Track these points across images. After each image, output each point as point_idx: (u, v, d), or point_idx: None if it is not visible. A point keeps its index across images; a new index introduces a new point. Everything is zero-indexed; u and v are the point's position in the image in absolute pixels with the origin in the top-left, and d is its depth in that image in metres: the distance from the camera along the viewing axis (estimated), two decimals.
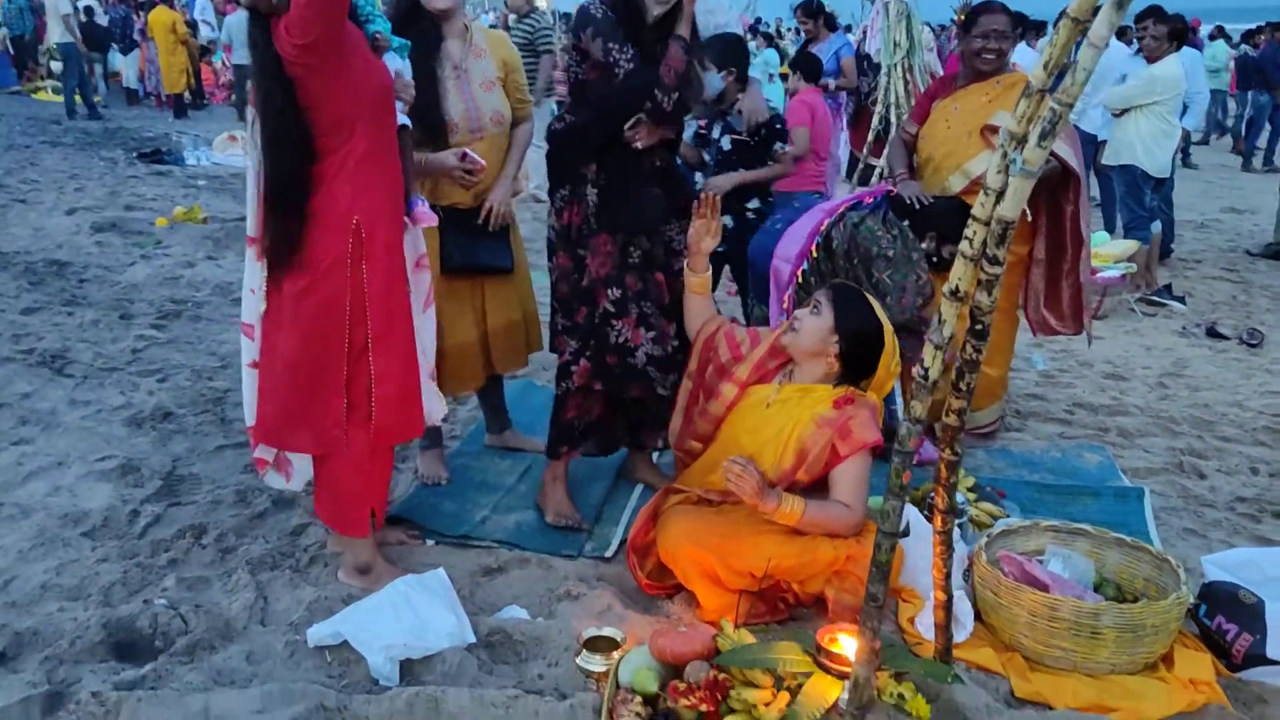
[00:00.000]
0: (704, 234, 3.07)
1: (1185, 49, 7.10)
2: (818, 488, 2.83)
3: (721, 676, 2.25)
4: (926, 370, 1.71)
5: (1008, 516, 3.25)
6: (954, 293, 1.65)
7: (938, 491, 2.06)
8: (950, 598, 2.25)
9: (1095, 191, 8.81)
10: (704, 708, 2.19)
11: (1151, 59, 6.70)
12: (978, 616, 2.76)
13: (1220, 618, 2.65)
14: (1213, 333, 5.90)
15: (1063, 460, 3.94)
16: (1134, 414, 4.56)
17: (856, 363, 2.90)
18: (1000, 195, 1.57)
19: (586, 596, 2.81)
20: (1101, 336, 5.79)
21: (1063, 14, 1.57)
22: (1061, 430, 4.33)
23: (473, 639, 2.56)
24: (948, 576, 2.21)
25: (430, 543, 3.17)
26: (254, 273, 2.74)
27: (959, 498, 3.11)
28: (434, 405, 3.07)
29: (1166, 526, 3.45)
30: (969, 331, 1.73)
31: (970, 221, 1.62)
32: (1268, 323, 6.23)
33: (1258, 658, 2.54)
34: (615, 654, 2.46)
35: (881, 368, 2.89)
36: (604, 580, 2.95)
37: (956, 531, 2.95)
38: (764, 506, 2.65)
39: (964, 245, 1.62)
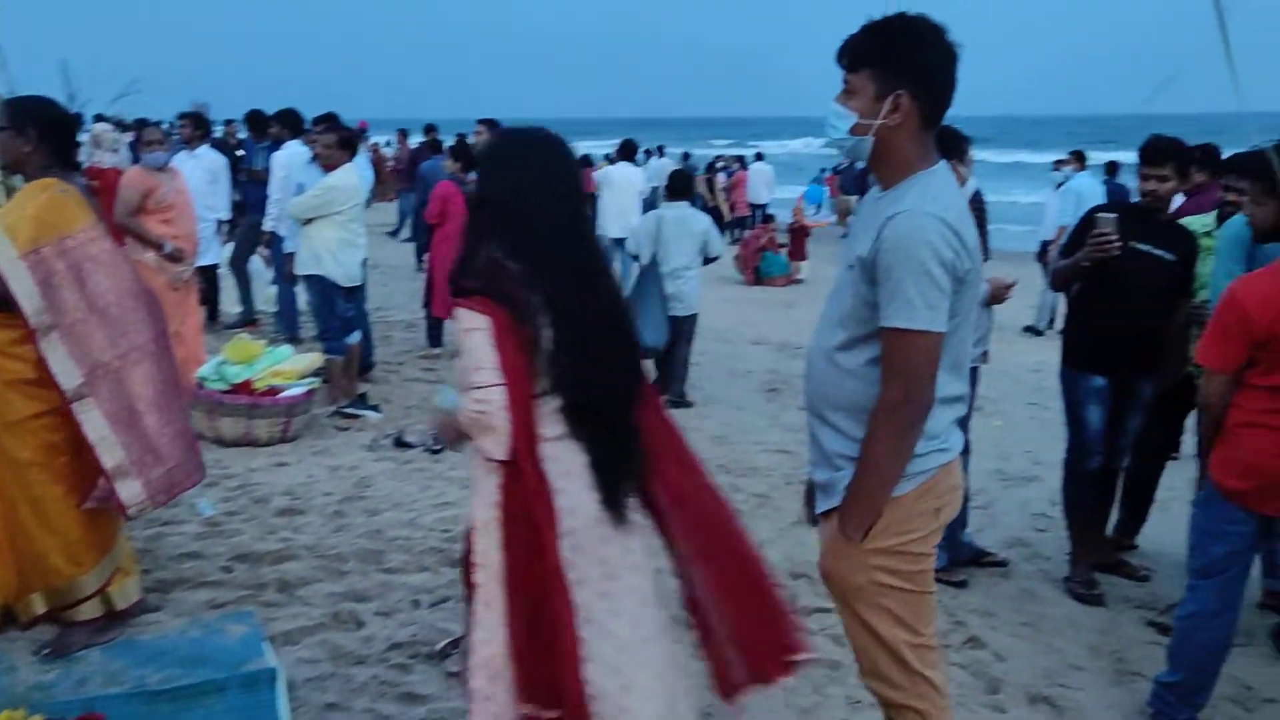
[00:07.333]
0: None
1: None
2: None
3: None
4: None
5: None
6: None
7: None
8: None
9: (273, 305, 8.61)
10: None
11: (328, 168, 6.63)
12: None
13: None
14: (400, 442, 5.85)
15: (200, 642, 3.30)
16: (302, 557, 4.16)
17: None
18: None
19: None
20: (287, 463, 5.41)
21: None
22: (213, 596, 3.73)
23: None
24: None
25: None
26: None
27: None
28: None
29: (308, 711, 3.03)
30: None
31: None
32: None
33: None
34: None
35: None
36: None
37: None
38: None
39: None
